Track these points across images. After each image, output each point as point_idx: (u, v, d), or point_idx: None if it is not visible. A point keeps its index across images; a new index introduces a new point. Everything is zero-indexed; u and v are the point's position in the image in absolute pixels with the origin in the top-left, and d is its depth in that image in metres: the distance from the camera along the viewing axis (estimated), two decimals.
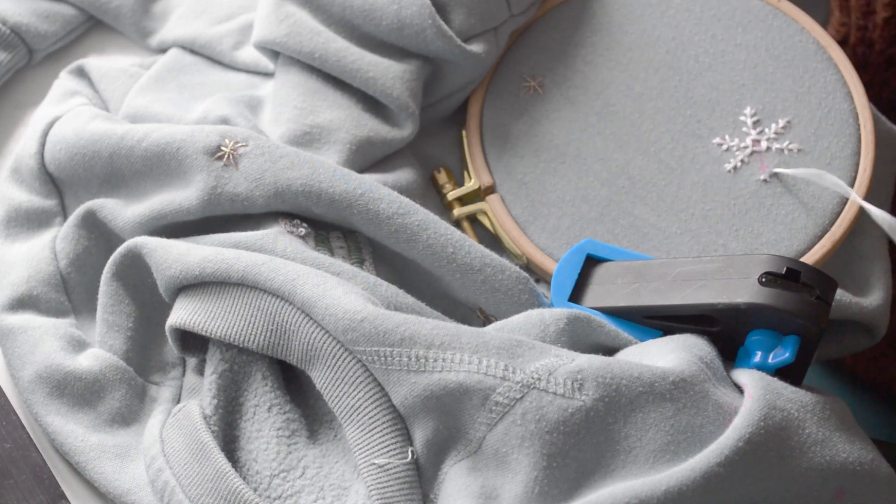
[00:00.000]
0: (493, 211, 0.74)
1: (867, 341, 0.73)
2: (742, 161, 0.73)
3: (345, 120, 0.72)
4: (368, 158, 0.73)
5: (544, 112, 0.75)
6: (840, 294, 0.70)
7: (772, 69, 0.75)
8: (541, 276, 0.73)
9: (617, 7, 0.78)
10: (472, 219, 0.75)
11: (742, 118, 0.74)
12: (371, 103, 0.74)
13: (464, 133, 0.76)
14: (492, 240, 0.74)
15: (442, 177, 0.75)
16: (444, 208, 0.75)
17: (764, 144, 0.73)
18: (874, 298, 0.72)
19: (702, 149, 0.74)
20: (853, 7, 0.86)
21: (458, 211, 0.74)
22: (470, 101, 0.76)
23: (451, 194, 0.75)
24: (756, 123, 0.74)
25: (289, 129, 0.72)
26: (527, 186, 0.74)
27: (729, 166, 0.73)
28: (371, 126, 0.73)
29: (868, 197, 0.72)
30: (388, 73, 0.73)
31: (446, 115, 0.77)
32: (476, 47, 0.74)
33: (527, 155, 0.75)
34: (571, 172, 0.74)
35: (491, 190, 0.74)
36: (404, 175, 0.73)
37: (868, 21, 0.87)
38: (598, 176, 0.74)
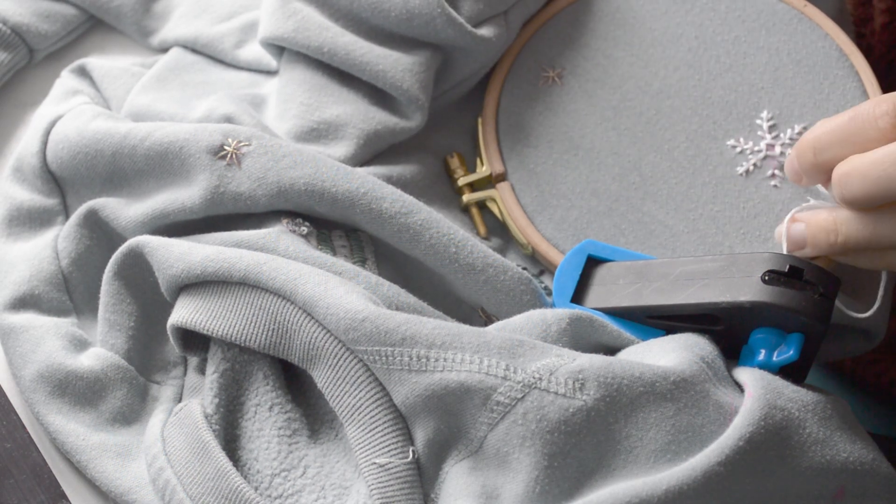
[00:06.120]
0: (503, 199, 0.74)
1: (866, 345, 0.72)
2: (755, 165, 0.73)
3: (352, 115, 0.72)
4: (377, 150, 0.73)
5: (561, 103, 0.75)
6: (840, 297, 0.69)
7: (792, 74, 0.75)
8: (545, 267, 0.73)
9: (641, 2, 0.78)
10: (481, 205, 0.75)
11: (758, 122, 0.74)
12: (378, 96, 0.74)
13: (479, 120, 0.76)
14: (499, 227, 0.74)
15: (454, 162, 0.75)
16: (454, 193, 0.75)
17: (778, 149, 0.73)
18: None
19: (715, 150, 0.74)
20: (850, 13, 0.86)
21: (467, 197, 0.74)
22: (487, 88, 0.76)
23: (462, 180, 0.75)
24: (772, 128, 0.74)
25: (295, 125, 0.72)
26: (538, 176, 0.74)
27: (741, 169, 0.73)
28: (379, 119, 0.73)
29: None
30: (397, 66, 0.72)
31: (457, 101, 0.77)
32: (487, 32, 0.74)
33: (540, 145, 0.74)
34: (583, 165, 0.74)
35: (502, 178, 0.74)
36: (410, 167, 0.73)
37: (866, 28, 0.86)
38: (609, 170, 0.74)
